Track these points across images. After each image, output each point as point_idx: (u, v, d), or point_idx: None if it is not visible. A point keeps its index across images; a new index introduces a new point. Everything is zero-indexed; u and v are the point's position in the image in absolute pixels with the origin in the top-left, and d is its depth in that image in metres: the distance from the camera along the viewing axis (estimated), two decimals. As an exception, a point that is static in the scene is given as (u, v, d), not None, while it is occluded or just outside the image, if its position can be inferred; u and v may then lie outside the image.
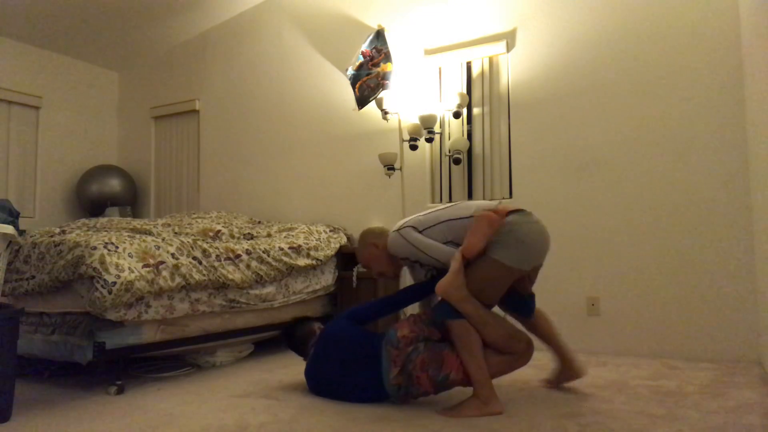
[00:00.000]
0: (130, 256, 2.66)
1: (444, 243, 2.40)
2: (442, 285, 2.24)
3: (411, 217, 2.56)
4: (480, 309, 2.24)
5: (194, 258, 2.98)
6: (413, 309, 2.85)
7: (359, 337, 2.42)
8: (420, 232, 2.44)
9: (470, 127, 4.09)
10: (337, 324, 2.52)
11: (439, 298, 2.30)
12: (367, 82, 4.27)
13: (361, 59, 4.31)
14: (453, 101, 3.95)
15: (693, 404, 2.28)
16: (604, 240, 3.53)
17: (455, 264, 2.25)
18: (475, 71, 4.09)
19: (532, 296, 2.56)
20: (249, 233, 3.87)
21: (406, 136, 4.11)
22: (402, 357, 2.23)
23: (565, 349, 2.56)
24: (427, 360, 2.21)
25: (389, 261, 2.63)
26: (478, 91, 4.08)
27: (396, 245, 2.50)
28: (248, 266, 3.28)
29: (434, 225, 2.43)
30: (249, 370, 3.13)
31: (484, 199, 3.99)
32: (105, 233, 2.84)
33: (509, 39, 3.91)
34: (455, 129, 4.12)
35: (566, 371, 2.56)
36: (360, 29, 4.50)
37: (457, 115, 3.91)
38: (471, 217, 2.35)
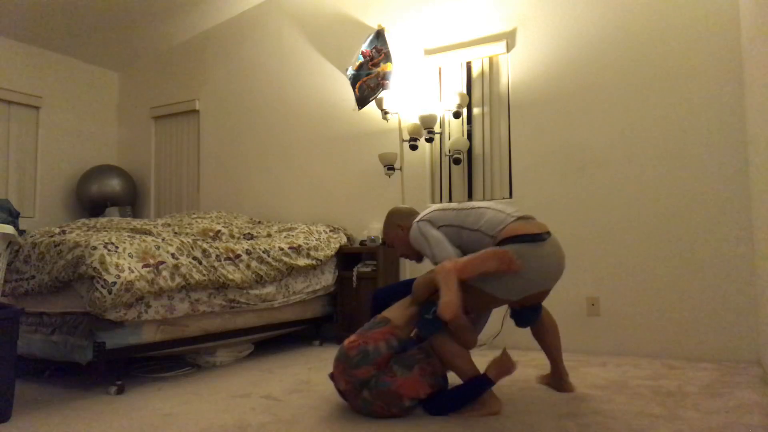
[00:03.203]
0: (130, 256, 2.66)
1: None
2: (450, 310, 2.02)
3: (435, 209, 2.48)
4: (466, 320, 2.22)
5: (194, 258, 2.98)
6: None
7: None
8: (438, 228, 2.39)
9: (470, 127, 4.09)
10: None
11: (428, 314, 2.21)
12: (367, 82, 4.27)
13: (361, 59, 4.31)
14: (453, 101, 3.95)
15: (693, 404, 2.28)
16: (604, 240, 3.53)
17: (451, 283, 2.07)
18: (475, 71, 4.09)
19: (531, 309, 2.47)
20: (249, 233, 3.87)
21: (406, 136, 4.11)
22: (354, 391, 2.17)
23: (560, 367, 2.55)
24: (385, 405, 2.14)
25: (411, 245, 2.57)
26: (478, 91, 4.08)
27: (413, 236, 2.47)
28: (248, 266, 3.28)
29: (449, 225, 2.37)
30: (249, 370, 3.13)
31: (484, 198, 3.98)
32: (105, 233, 2.84)
33: (509, 39, 3.91)
34: (455, 129, 4.12)
35: (557, 384, 2.58)
36: (360, 29, 4.51)
37: (457, 115, 3.91)
38: (477, 230, 2.30)
